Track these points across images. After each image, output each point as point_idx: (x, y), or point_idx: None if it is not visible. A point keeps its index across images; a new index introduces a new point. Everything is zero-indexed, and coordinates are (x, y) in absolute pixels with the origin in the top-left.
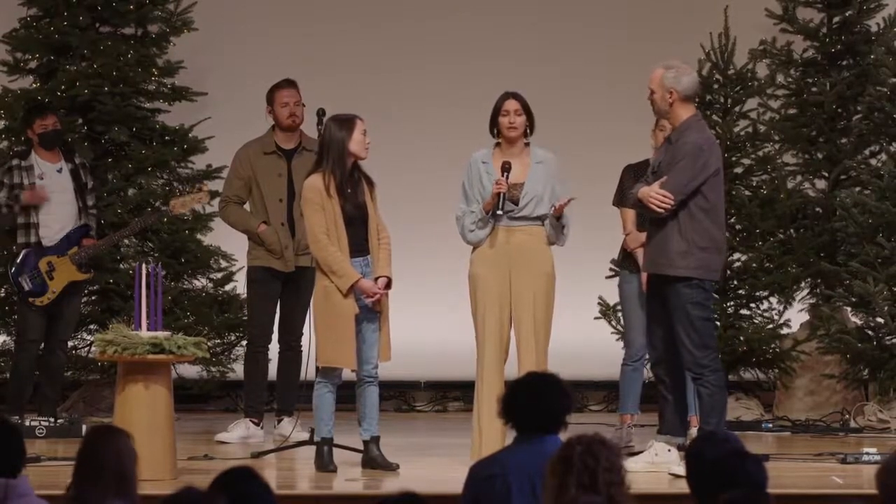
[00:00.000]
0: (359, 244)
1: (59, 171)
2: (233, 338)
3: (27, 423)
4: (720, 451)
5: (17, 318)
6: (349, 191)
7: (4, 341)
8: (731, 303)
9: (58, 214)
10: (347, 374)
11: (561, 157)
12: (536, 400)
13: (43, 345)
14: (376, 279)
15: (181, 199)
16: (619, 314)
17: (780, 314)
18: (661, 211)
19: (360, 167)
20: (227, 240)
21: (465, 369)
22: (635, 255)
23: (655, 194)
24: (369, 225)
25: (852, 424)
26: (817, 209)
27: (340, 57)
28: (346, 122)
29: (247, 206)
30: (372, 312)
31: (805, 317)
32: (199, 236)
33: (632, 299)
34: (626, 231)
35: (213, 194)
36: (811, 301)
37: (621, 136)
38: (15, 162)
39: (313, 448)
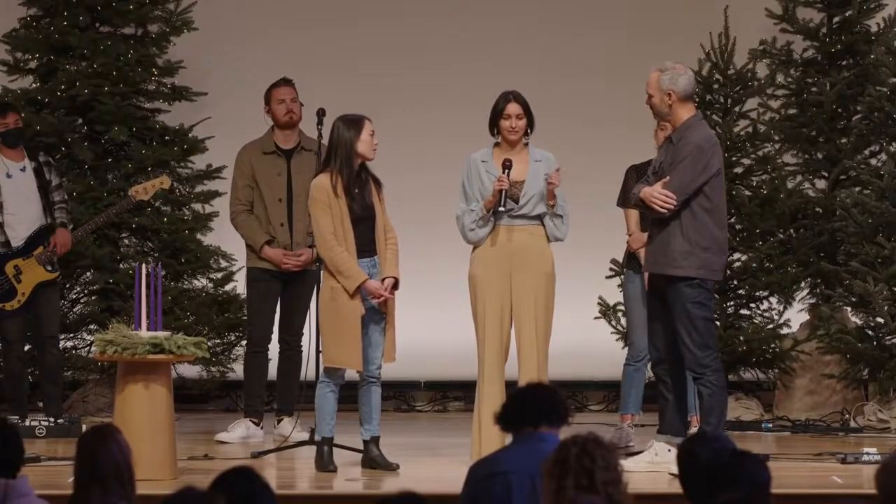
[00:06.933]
0: (366, 244)
1: (23, 169)
2: (233, 338)
3: (27, 423)
4: (712, 452)
5: None
6: (356, 191)
7: None
8: (731, 303)
9: (24, 214)
10: (351, 375)
11: (560, 157)
12: (527, 404)
13: (34, 345)
14: (383, 280)
15: (142, 185)
16: (620, 314)
17: (780, 314)
18: (664, 211)
19: (367, 167)
20: (227, 240)
21: (465, 369)
22: (638, 255)
23: (658, 194)
24: (376, 225)
25: (852, 424)
26: (817, 209)
27: (340, 57)
28: (355, 123)
29: None
30: (378, 313)
31: (805, 317)
32: (199, 236)
33: (635, 299)
34: (629, 231)
35: (213, 194)
36: (811, 301)
37: (620, 136)
38: None
39: (313, 448)
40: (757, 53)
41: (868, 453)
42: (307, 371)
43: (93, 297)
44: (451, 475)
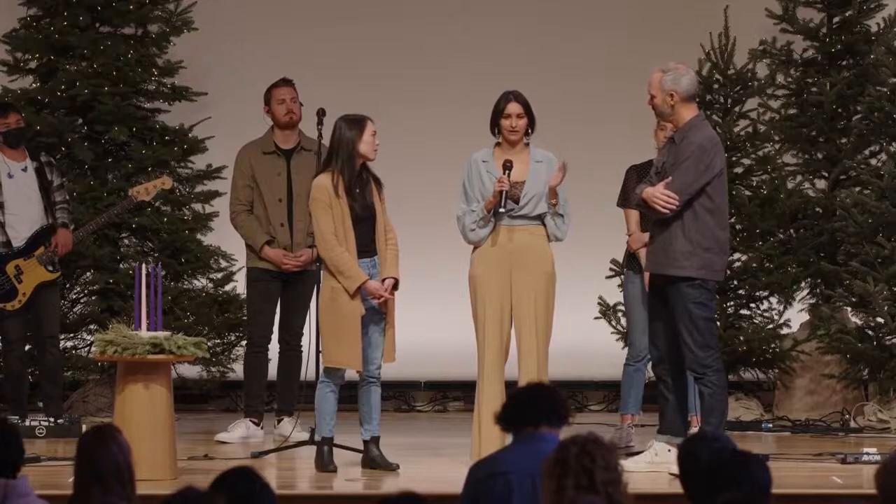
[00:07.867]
0: (366, 245)
1: (24, 169)
2: (233, 338)
3: (27, 423)
4: (712, 452)
5: None
6: (357, 191)
7: None
8: (731, 303)
9: (25, 214)
10: (351, 375)
11: (560, 156)
12: (527, 404)
13: (34, 345)
14: (383, 280)
15: (143, 185)
16: (620, 314)
17: (780, 314)
18: (667, 211)
19: (368, 167)
20: (227, 240)
21: (465, 369)
22: (638, 255)
23: (661, 194)
24: (377, 225)
25: (852, 424)
26: (817, 209)
27: (340, 57)
28: (357, 123)
29: None
30: (378, 314)
31: (805, 317)
32: (199, 236)
33: (635, 299)
34: (629, 232)
35: (213, 194)
36: (811, 301)
37: (621, 136)
38: None
39: (313, 448)
40: (757, 53)
41: (868, 453)
42: (307, 371)
43: (93, 297)
44: (451, 475)
